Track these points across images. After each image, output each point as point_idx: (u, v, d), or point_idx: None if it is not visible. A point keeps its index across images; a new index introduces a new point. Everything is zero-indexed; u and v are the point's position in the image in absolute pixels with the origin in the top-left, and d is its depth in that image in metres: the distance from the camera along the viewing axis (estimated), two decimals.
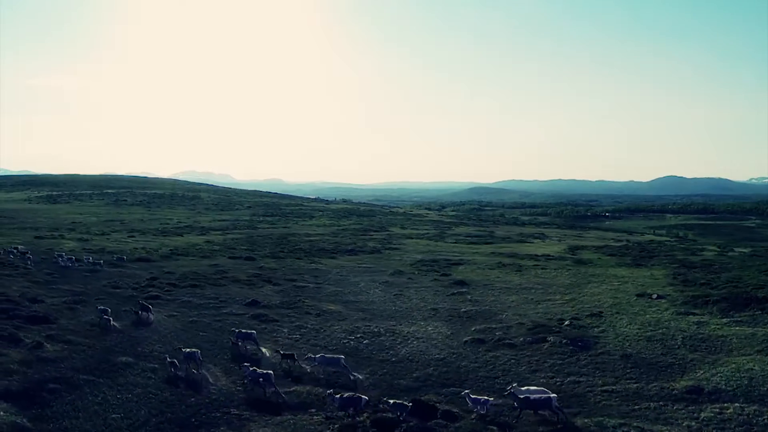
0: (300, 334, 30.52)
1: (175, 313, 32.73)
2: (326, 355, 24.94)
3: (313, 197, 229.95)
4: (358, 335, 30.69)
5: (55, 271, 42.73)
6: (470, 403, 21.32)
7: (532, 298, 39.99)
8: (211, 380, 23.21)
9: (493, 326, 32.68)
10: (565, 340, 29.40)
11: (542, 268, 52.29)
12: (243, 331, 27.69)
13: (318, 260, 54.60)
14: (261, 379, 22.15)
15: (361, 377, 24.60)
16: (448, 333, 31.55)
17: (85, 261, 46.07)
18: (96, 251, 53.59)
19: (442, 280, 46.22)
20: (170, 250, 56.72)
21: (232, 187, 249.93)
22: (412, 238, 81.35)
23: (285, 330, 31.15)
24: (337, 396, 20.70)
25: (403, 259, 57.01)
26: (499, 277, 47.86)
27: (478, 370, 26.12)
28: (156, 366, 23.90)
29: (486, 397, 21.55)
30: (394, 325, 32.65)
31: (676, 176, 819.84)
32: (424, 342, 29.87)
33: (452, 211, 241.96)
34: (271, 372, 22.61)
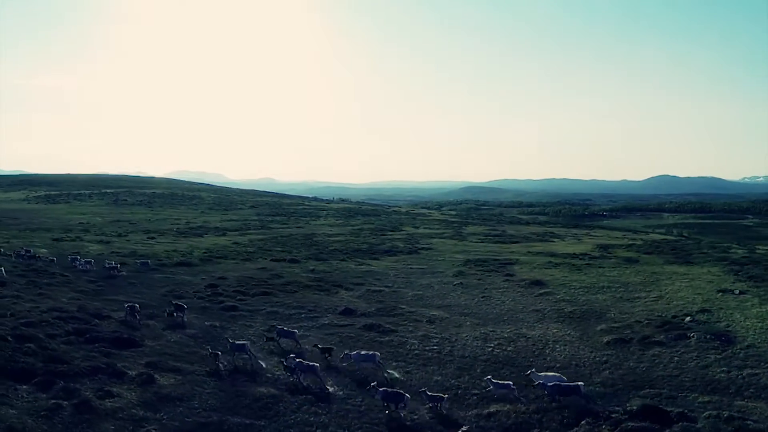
0: (436, 345, 28.05)
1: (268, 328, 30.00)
2: (361, 352, 24.63)
3: (311, 197, 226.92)
4: (494, 342, 28.91)
5: (96, 278, 39.92)
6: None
7: (621, 297, 38.77)
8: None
9: (615, 325, 31.53)
10: (708, 335, 28.77)
11: (598, 267, 50.53)
12: (284, 329, 27.71)
13: (363, 262, 52.30)
14: (307, 371, 22.56)
15: (397, 375, 24.05)
16: (577, 335, 30.34)
17: (106, 265, 43.13)
18: (126, 254, 50.85)
19: (513, 280, 44.25)
20: (204, 252, 53.95)
21: (226, 186, 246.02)
22: (434, 238, 79.16)
23: (414, 341, 28.52)
24: (381, 389, 20.59)
25: (447, 260, 54.67)
26: (566, 276, 46.02)
27: (653, 370, 25.14)
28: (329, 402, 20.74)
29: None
30: (516, 329, 31.16)
31: (669, 175, 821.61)
32: (563, 345, 28.64)
33: (450, 210, 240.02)
34: (317, 364, 23.05)
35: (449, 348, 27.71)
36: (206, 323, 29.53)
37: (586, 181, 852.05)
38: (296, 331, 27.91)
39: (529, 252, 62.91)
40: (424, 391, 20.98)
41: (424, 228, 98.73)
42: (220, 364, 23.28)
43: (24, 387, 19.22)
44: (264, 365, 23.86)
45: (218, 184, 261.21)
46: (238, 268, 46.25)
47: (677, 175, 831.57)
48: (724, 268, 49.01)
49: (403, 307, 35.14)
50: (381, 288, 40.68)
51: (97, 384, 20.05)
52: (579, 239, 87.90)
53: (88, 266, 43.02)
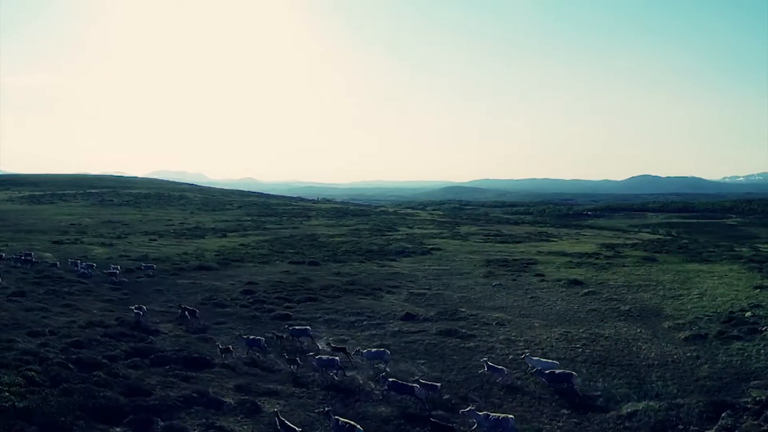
0: (527, 349, 27.28)
1: (342, 338, 28.54)
2: (372, 350, 25.13)
3: (297, 197, 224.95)
4: (579, 343, 28.46)
5: (118, 285, 38.20)
6: None
7: (665, 295, 38.59)
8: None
9: (680, 322, 31.58)
10: None
11: (622, 266, 50.21)
12: (297, 327, 27.94)
13: (383, 263, 51.26)
14: (328, 366, 23.06)
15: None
16: (649, 332, 30.22)
17: (112, 269, 41.50)
18: (136, 257, 48.90)
19: (548, 279, 43.81)
20: (216, 254, 52.24)
21: (211, 186, 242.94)
22: (435, 238, 78.28)
23: (500, 345, 27.94)
24: (391, 380, 21.28)
25: (464, 261, 53.77)
26: (597, 275, 45.63)
27: (748, 362, 25.23)
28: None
29: None
30: (588, 329, 30.67)
31: (650, 175, 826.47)
32: (645, 343, 28.39)
33: (434, 210, 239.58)
34: (337, 358, 23.65)
35: (540, 351, 27.06)
36: (266, 334, 27.90)
37: (567, 180, 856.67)
38: (309, 328, 27.93)
39: (540, 252, 62.33)
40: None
41: (419, 228, 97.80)
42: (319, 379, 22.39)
43: (118, 429, 16.92)
44: (361, 380, 22.70)
45: (201, 184, 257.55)
46: (262, 272, 44.73)
47: (658, 174, 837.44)
48: (744, 266, 49.15)
49: (463, 310, 34.20)
50: (422, 291, 39.61)
51: (200, 418, 18.05)
52: (576, 239, 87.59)
53: (90, 271, 41.27)
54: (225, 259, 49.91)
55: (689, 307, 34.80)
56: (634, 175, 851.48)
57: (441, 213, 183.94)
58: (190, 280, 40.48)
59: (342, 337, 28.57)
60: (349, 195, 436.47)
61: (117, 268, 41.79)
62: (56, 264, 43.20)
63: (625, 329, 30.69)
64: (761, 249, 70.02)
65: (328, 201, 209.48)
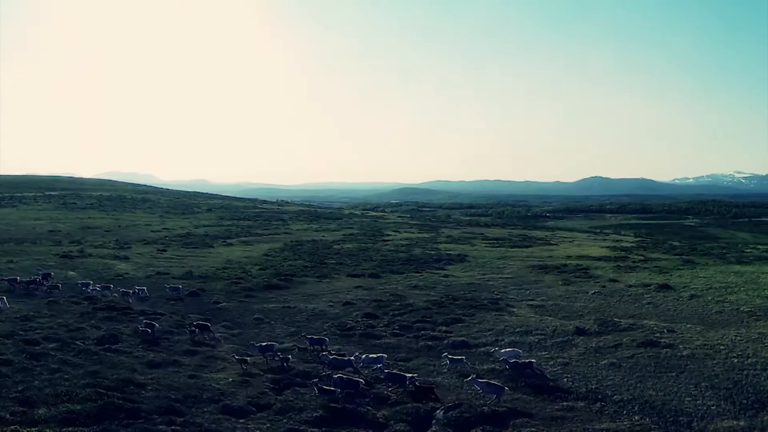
0: (735, 357, 25.65)
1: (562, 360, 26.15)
2: (370, 355, 25.47)
3: (259, 199, 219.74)
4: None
5: (207, 316, 33.75)
6: None
7: (758, 295, 38.61)
8: None
9: None
10: None
11: (677, 269, 50.45)
12: (314, 337, 27.92)
13: (434, 272, 49.44)
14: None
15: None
16: None
17: (137, 291, 37.17)
18: (179, 276, 44.58)
19: (624, 283, 43.89)
20: (259, 268, 48.69)
21: (169, 188, 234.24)
22: (441, 243, 77.15)
23: (703, 351, 26.45)
24: (336, 377, 21.66)
25: (505, 266, 52.82)
26: (669, 279, 45.38)
27: None
28: None
29: None
30: (737, 332, 29.67)
31: (601, 177, 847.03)
32: None
33: (391, 211, 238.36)
34: (351, 358, 24.96)
35: (739, 357, 25.52)
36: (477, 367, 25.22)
37: (519, 182, 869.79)
38: (326, 339, 27.78)
39: (568, 256, 61.10)
40: None
41: (406, 232, 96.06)
42: None
43: None
44: None
45: (154, 186, 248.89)
46: (334, 288, 41.47)
47: (609, 176, 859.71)
48: None
49: (618, 320, 32.39)
50: (537, 303, 37.88)
51: None
52: (572, 241, 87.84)
53: (105, 292, 36.80)
54: (276, 273, 46.18)
55: None
56: (586, 176, 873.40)
57: (409, 216, 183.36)
58: (276, 303, 36.55)
59: (560, 358, 26.33)
60: (302, 197, 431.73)
61: (180, 287, 38.28)
62: (108, 287, 37.76)
63: (755, 332, 29.75)
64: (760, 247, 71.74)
65: (287, 203, 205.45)
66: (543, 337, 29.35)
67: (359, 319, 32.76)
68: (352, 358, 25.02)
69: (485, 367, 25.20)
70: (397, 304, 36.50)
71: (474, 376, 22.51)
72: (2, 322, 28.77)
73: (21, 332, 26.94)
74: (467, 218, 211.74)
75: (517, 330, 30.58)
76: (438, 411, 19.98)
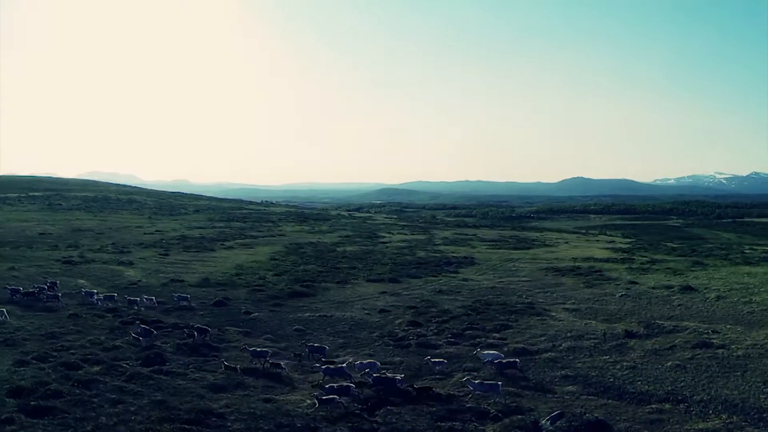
0: None
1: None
2: (363, 362, 25.71)
3: (245, 200, 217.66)
4: None
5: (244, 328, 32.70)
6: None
7: None
8: None
9: None
10: None
11: (690, 270, 50.81)
12: (315, 345, 28.16)
13: (452, 277, 48.76)
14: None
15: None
16: None
17: (147, 301, 35.65)
18: (195, 283, 43.06)
19: (647, 285, 43.77)
20: (273, 274, 47.54)
21: (154, 189, 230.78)
22: (435, 244, 76.92)
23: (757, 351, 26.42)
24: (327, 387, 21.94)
25: (519, 269, 52.63)
26: (688, 281, 45.46)
27: None
28: None
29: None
30: (745, 331, 30.29)
31: (583, 177, 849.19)
32: None
33: (376, 212, 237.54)
34: (344, 365, 24.95)
35: None
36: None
37: (500, 183, 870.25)
38: (326, 347, 27.90)
39: (574, 258, 60.80)
40: None
41: (399, 233, 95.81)
42: None
43: None
44: None
45: (137, 186, 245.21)
46: (363, 295, 40.47)
47: (590, 177, 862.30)
48: None
49: (660, 322, 32.47)
50: (572, 307, 37.35)
51: None
52: (567, 242, 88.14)
53: (110, 303, 34.99)
54: (295, 279, 44.88)
55: None
56: (567, 177, 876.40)
57: (396, 217, 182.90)
58: (309, 312, 35.34)
59: (624, 362, 26.07)
60: (283, 197, 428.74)
61: (186, 297, 36.69)
62: (112, 297, 35.80)
63: None
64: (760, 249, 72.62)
65: (272, 204, 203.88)
66: (597, 341, 29.19)
67: (405, 328, 31.89)
68: (345, 365, 24.96)
69: (558, 373, 24.96)
70: (434, 310, 35.76)
71: (468, 377, 23.28)
72: (28, 341, 26.87)
73: (54, 353, 25.03)
74: (452, 219, 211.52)
75: (568, 335, 30.23)
76: (544, 421, 19.73)
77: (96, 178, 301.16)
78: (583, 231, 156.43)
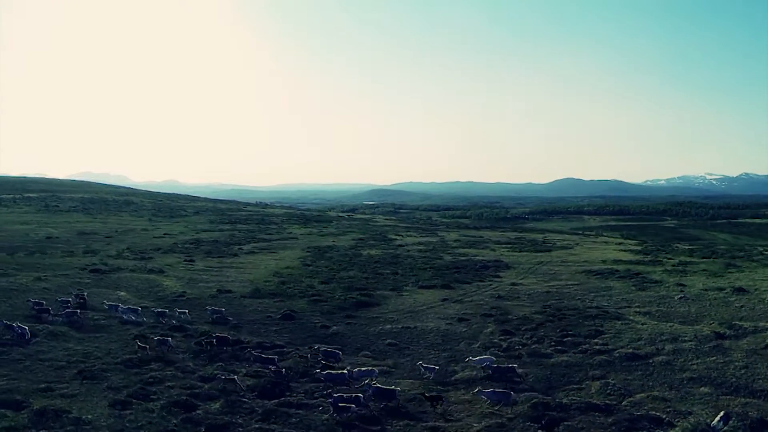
0: None
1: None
2: (362, 369, 25.43)
3: (242, 201, 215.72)
4: None
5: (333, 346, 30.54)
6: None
7: None
8: None
9: None
10: None
11: (726, 272, 49.99)
12: (328, 350, 27.70)
13: (502, 281, 47.84)
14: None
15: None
16: None
17: (177, 314, 33.43)
18: (245, 295, 40.65)
19: (697, 288, 42.70)
20: (320, 282, 45.54)
21: (148, 190, 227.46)
22: (454, 247, 75.74)
23: None
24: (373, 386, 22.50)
25: (555, 272, 51.67)
26: (734, 283, 44.42)
27: None
28: None
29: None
30: None
31: (574, 178, 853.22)
32: None
33: (371, 213, 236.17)
34: (344, 372, 24.63)
35: None
36: None
37: (491, 183, 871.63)
38: (339, 352, 27.53)
39: (603, 261, 59.81)
40: None
41: (408, 236, 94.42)
42: None
43: None
44: None
45: (130, 187, 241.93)
46: (428, 302, 39.09)
47: (581, 178, 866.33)
48: None
49: (739, 323, 31.79)
50: (644, 310, 36.51)
51: None
52: (578, 244, 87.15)
53: (134, 316, 32.71)
54: (348, 287, 43.10)
55: None
56: (558, 178, 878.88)
57: (396, 219, 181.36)
58: (389, 324, 33.76)
59: (736, 362, 25.96)
60: (275, 198, 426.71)
61: (221, 312, 34.48)
62: (137, 310, 33.23)
63: None
64: None
65: (268, 205, 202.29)
66: (693, 343, 28.85)
67: (501, 338, 30.71)
68: (345, 372, 24.65)
69: (682, 376, 24.57)
70: (513, 318, 34.58)
71: (479, 388, 22.82)
72: (109, 372, 23.25)
73: (151, 388, 21.83)
74: (449, 220, 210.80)
75: (663, 338, 29.80)
76: (716, 421, 19.44)
77: (87, 179, 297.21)
78: (581, 232, 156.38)
